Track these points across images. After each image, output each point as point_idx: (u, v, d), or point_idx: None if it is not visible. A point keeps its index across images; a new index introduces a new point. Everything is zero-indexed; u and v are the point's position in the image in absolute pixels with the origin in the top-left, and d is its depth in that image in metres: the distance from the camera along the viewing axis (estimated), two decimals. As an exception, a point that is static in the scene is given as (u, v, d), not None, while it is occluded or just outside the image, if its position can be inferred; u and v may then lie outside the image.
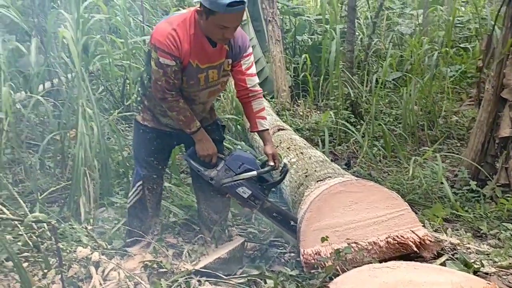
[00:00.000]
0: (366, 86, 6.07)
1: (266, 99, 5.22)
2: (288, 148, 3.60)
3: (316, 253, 2.47)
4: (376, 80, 5.70)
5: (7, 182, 2.95)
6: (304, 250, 2.48)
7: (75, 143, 3.32)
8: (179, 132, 2.72)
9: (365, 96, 5.81)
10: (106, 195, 3.39)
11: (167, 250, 2.79)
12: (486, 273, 2.41)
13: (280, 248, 2.92)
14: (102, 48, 5.04)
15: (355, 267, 2.24)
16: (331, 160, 3.75)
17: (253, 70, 2.74)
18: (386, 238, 2.55)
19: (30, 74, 3.86)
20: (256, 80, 2.76)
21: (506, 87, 3.71)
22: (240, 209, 3.25)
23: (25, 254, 2.61)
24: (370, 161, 4.49)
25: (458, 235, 2.93)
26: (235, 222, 3.29)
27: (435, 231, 3.00)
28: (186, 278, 2.46)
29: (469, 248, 2.76)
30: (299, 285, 2.40)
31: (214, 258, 2.62)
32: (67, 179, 3.58)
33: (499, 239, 2.99)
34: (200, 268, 2.53)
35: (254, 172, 2.64)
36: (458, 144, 4.96)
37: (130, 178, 3.48)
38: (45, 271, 2.44)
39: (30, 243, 2.62)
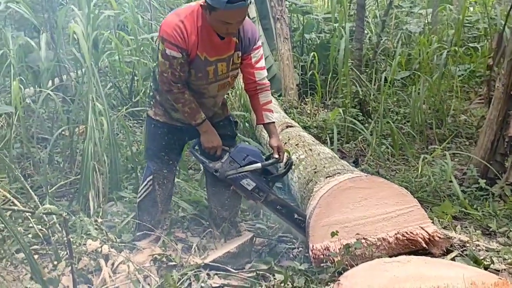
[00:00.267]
0: (374, 84, 6.05)
1: (274, 97, 5.21)
2: (296, 144, 3.60)
3: (325, 248, 2.48)
4: (385, 79, 5.67)
5: (19, 174, 2.96)
6: (313, 245, 2.49)
7: (83, 138, 3.33)
8: (190, 127, 2.71)
9: (373, 94, 5.79)
10: (115, 190, 3.39)
11: (176, 244, 2.80)
12: (497, 270, 2.40)
13: (289, 244, 2.92)
14: (110, 45, 5.07)
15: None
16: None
17: (262, 63, 2.72)
18: (395, 234, 2.56)
19: (40, 69, 3.89)
20: (265, 73, 2.75)
21: (516, 85, 3.69)
22: (245, 202, 3.25)
23: (35, 246, 2.64)
24: (378, 159, 4.47)
25: (467, 233, 2.92)
26: (244, 218, 3.29)
27: (444, 228, 2.98)
28: (195, 272, 2.47)
29: (478, 245, 2.74)
30: (308, 279, 2.40)
31: (223, 252, 2.62)
32: (75, 174, 3.61)
33: (508, 237, 2.97)
34: (210, 262, 2.54)
35: (259, 165, 2.64)
36: (467, 143, 4.93)
37: (139, 174, 3.51)
38: (55, 263, 2.46)
39: (41, 235, 2.65)
